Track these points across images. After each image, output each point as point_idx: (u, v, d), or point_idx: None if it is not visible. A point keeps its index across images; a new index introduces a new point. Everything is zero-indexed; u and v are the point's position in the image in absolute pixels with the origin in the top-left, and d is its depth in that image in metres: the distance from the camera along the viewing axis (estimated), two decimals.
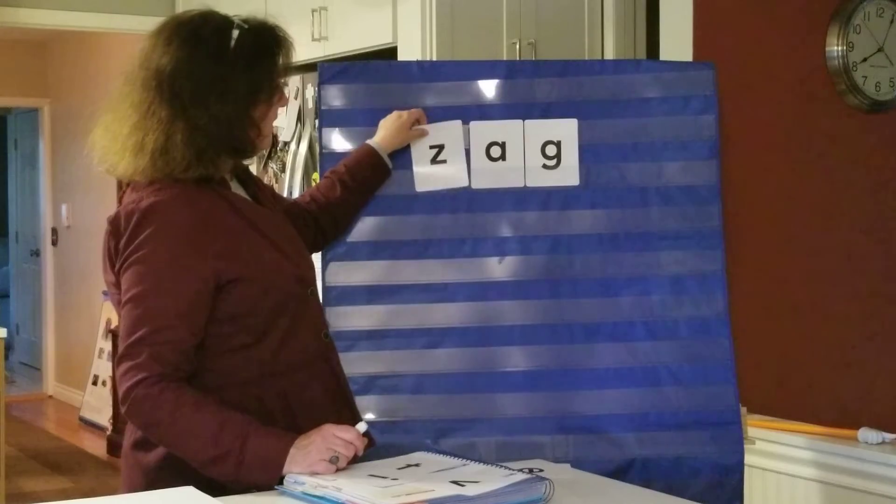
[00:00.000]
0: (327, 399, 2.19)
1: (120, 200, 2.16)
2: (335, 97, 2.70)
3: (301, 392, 2.14)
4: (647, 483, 2.34)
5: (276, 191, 2.49)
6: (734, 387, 2.64)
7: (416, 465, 2.07)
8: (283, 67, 2.15)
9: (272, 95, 2.14)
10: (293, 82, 4.39)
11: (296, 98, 4.43)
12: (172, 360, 1.98)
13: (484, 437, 2.57)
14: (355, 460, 2.02)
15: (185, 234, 2.02)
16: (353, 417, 2.21)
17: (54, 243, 9.44)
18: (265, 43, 2.13)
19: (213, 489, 1.95)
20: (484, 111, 2.70)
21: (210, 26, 2.11)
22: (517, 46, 4.06)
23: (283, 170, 4.51)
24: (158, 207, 2.02)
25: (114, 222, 2.06)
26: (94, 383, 8.07)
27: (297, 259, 2.18)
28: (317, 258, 2.47)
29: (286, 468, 1.96)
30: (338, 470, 1.97)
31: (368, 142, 2.62)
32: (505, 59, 3.99)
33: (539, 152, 2.70)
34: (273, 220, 2.19)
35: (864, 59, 3.92)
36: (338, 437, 1.99)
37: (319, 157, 2.74)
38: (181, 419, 1.96)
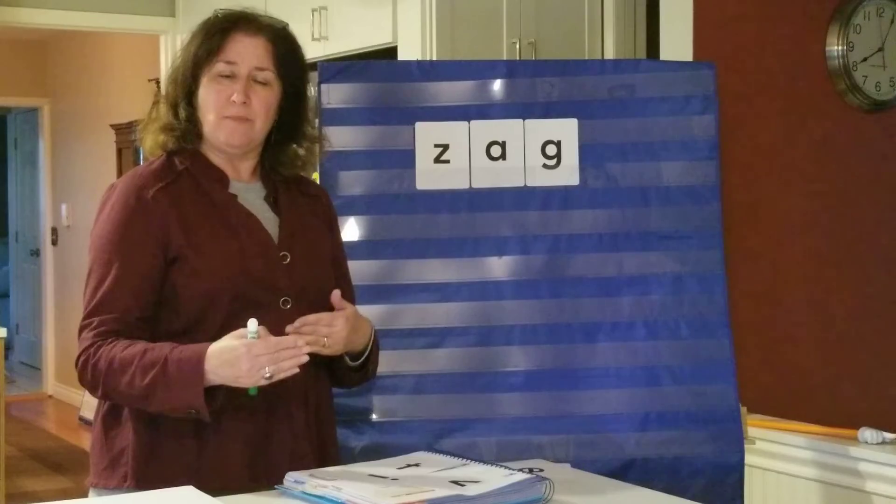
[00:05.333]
0: (243, 446, 2.07)
1: None
2: (335, 96, 2.70)
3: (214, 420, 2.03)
4: (647, 483, 2.34)
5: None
6: (734, 387, 2.64)
7: (416, 465, 2.07)
8: (212, 45, 2.10)
9: (198, 73, 2.11)
10: None
11: None
12: (118, 330, 2.02)
13: (484, 437, 2.57)
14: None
15: (134, 209, 2.07)
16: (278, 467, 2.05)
17: (54, 243, 9.44)
18: (207, 23, 2.14)
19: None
20: (484, 111, 2.70)
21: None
22: (517, 46, 4.06)
23: None
24: (116, 184, 2.13)
25: None
26: None
27: (260, 261, 2.10)
28: None
29: (210, 377, 1.94)
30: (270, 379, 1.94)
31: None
32: (505, 58, 3.99)
33: (539, 152, 2.70)
34: (251, 221, 2.13)
35: (864, 59, 3.92)
36: (263, 356, 1.93)
37: (319, 155, 2.74)
38: (114, 362, 1.99)
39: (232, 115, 2.10)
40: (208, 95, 2.11)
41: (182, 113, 2.12)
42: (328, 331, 2.06)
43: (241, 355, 1.93)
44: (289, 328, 2.04)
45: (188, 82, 2.12)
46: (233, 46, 2.10)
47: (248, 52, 2.10)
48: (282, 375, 1.96)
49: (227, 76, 2.10)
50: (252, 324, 1.94)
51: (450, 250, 2.66)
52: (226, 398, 2.00)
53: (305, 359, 1.97)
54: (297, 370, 1.97)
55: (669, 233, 2.68)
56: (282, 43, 2.15)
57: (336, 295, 2.11)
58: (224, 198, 2.13)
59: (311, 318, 2.06)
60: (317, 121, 2.33)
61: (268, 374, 1.94)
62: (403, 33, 4.07)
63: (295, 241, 2.16)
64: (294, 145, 2.22)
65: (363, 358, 2.19)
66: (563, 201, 2.69)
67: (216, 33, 2.11)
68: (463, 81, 2.72)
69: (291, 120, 2.19)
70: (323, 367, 2.18)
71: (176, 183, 2.11)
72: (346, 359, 2.17)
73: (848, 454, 2.94)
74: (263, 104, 2.12)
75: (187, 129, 2.13)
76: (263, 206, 2.18)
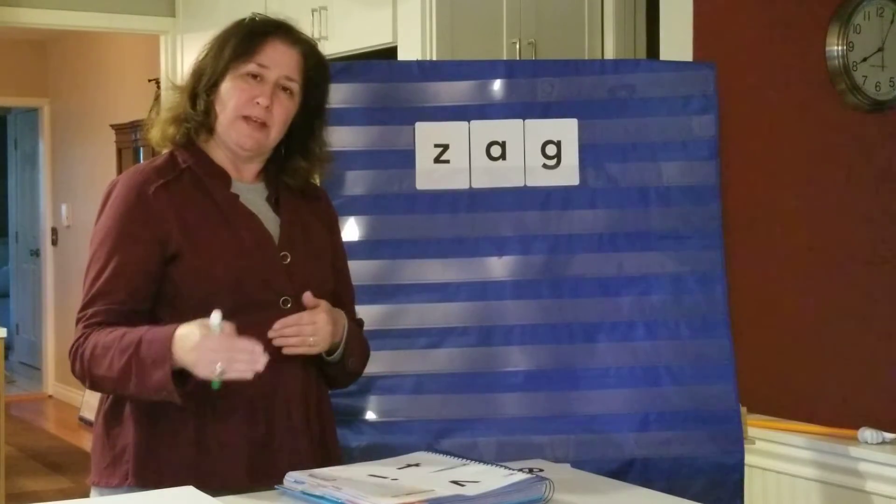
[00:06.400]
0: (247, 442, 2.08)
1: None
2: (336, 96, 2.67)
3: (216, 414, 2.05)
4: (647, 483, 2.34)
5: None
6: (734, 387, 2.64)
7: (416, 465, 2.07)
8: (249, 46, 2.12)
9: (226, 69, 2.12)
10: None
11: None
12: (110, 321, 2.04)
13: (484, 437, 2.57)
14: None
15: (134, 204, 2.08)
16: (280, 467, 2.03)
17: (54, 243, 9.44)
18: (244, 25, 2.16)
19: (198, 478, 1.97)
20: (484, 110, 2.71)
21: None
22: (517, 46, 4.06)
23: None
24: (118, 179, 2.15)
25: None
26: None
27: (260, 261, 2.10)
28: None
29: (177, 359, 1.93)
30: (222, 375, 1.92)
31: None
32: (505, 58, 3.99)
33: (539, 152, 2.70)
34: (252, 221, 2.13)
35: (864, 59, 3.92)
36: (216, 353, 1.92)
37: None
38: (97, 348, 2.02)
39: (252, 116, 2.11)
40: (232, 92, 2.12)
41: (201, 105, 2.13)
42: (313, 329, 2.07)
43: (197, 344, 1.93)
44: (270, 333, 2.04)
45: (216, 76, 2.13)
46: (268, 51, 2.13)
47: (282, 60, 2.13)
48: (233, 376, 1.93)
49: (256, 78, 2.11)
50: (215, 316, 1.93)
51: (450, 250, 2.67)
52: (224, 397, 2.00)
53: (260, 367, 1.94)
54: (250, 376, 1.94)
55: (669, 233, 2.68)
56: (313, 59, 2.19)
57: (307, 296, 2.10)
58: (226, 197, 2.14)
59: (291, 318, 2.06)
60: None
61: (218, 371, 1.92)
62: (403, 33, 4.07)
63: (295, 242, 2.17)
64: (300, 158, 2.23)
65: (340, 351, 2.17)
66: (563, 201, 2.69)
67: (255, 35, 2.13)
68: (463, 81, 2.72)
69: (301, 134, 2.21)
70: (319, 368, 2.19)
71: (178, 180, 2.12)
72: (322, 354, 2.15)
73: (848, 454, 2.94)
74: (283, 113, 2.14)
75: (203, 122, 2.14)
76: (265, 207, 2.19)
